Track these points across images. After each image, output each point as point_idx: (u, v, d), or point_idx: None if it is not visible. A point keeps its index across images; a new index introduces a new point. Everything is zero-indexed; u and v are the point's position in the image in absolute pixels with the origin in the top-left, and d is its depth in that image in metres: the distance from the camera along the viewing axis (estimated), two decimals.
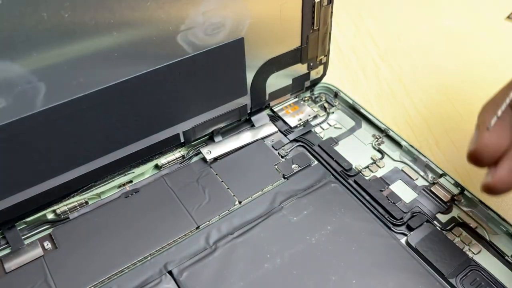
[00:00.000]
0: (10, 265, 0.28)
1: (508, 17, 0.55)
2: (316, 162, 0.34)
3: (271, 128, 0.37)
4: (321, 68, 0.39)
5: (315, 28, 0.36)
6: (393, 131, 0.36)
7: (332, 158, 0.34)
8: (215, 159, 0.34)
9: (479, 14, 0.55)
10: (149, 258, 0.28)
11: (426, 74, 0.47)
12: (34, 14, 0.23)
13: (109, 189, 0.32)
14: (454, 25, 0.53)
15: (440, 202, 0.32)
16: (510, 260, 0.29)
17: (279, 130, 0.37)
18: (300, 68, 0.37)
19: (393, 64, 0.48)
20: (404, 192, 0.33)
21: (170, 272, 0.28)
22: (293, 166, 0.34)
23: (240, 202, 0.32)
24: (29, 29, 0.24)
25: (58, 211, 0.30)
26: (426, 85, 0.45)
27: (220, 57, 0.31)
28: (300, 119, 0.38)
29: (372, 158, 0.35)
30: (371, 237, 0.29)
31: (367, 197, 0.32)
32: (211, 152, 0.34)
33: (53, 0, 0.24)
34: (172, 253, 0.29)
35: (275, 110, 0.39)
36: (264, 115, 0.38)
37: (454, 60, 0.48)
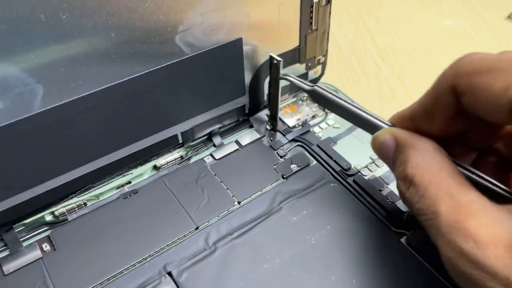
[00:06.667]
0: (8, 268, 0.28)
1: (509, 16, 0.54)
2: (315, 162, 0.34)
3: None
4: (319, 68, 0.39)
5: (313, 28, 0.36)
6: None
7: (331, 158, 0.34)
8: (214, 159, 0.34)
9: (479, 14, 0.55)
10: (148, 259, 0.28)
11: (427, 74, 0.46)
12: (31, 16, 0.23)
13: (107, 190, 0.32)
14: (454, 25, 0.53)
15: None
16: None
17: (278, 130, 0.37)
18: (299, 68, 0.37)
19: (393, 63, 0.48)
20: None
21: (169, 273, 0.28)
22: (292, 166, 0.34)
23: (239, 203, 0.31)
24: (27, 31, 0.24)
25: (56, 213, 0.30)
26: (426, 85, 0.45)
27: (219, 57, 0.31)
28: (299, 119, 0.38)
29: (371, 158, 0.35)
30: (371, 236, 0.29)
31: (367, 197, 0.32)
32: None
33: (51, 2, 0.24)
34: (172, 254, 0.28)
35: None
36: (262, 115, 0.38)
37: (454, 59, 0.48)
